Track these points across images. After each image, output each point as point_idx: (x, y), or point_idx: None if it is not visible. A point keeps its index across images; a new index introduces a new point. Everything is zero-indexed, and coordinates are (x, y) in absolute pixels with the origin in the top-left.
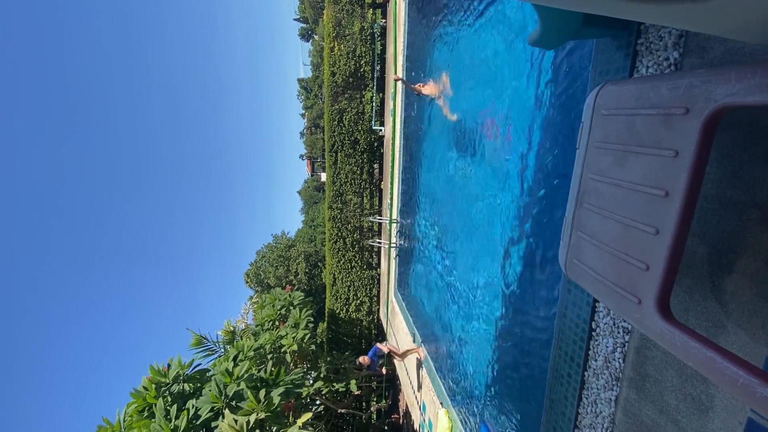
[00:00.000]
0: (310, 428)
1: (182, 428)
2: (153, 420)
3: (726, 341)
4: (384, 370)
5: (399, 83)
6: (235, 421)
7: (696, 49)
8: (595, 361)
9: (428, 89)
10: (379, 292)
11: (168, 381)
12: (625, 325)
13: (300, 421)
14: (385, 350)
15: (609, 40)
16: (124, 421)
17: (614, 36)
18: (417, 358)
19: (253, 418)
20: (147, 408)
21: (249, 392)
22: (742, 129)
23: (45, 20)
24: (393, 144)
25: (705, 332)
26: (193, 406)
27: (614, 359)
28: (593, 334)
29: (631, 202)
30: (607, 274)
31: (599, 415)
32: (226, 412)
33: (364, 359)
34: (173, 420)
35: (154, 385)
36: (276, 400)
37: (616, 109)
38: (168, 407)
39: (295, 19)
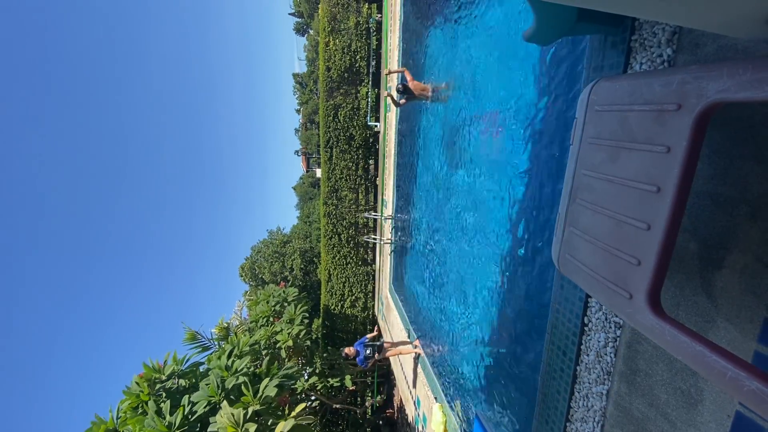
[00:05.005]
0: (307, 419)
1: (177, 424)
2: (147, 416)
3: (715, 336)
4: (376, 357)
5: (390, 85)
6: (232, 414)
7: (689, 46)
8: (587, 355)
9: (418, 87)
10: (374, 288)
11: (163, 377)
12: (617, 320)
13: (294, 413)
14: (371, 336)
15: (603, 36)
16: (118, 418)
17: (608, 32)
18: (416, 353)
19: (249, 410)
20: (141, 405)
21: (247, 385)
22: (734, 125)
23: (38, 14)
24: (388, 139)
25: (695, 327)
26: (189, 401)
27: (606, 354)
28: (585, 329)
29: (623, 198)
30: (599, 270)
31: (591, 409)
32: (224, 404)
33: (349, 350)
34: (167, 416)
35: (146, 383)
36: (272, 392)
37: (609, 105)
38: (161, 404)
39: (290, 14)
